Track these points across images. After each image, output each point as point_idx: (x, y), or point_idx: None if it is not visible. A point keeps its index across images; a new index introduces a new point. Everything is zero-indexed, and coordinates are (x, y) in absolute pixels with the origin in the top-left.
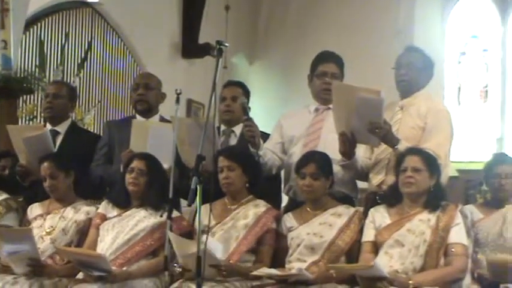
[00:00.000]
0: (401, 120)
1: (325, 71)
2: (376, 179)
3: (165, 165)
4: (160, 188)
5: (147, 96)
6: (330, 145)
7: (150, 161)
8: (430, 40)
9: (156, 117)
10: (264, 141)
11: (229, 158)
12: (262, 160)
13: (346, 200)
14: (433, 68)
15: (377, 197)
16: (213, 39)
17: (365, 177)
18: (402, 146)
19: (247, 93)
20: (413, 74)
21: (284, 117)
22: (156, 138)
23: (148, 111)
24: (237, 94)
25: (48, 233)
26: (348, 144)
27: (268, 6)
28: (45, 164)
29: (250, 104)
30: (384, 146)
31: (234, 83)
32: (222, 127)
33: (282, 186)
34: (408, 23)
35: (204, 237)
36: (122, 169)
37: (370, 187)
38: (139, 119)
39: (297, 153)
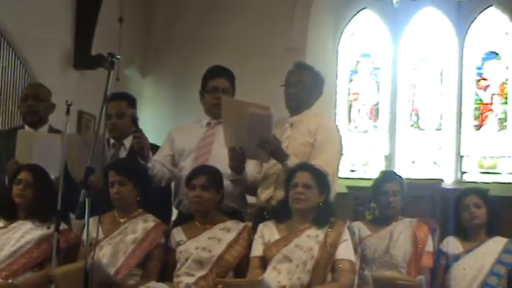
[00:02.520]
0: (291, 137)
1: (216, 86)
2: (264, 194)
3: (52, 176)
4: (48, 200)
5: (36, 107)
6: (221, 159)
7: (38, 172)
8: (322, 58)
9: (45, 128)
10: (154, 154)
11: (120, 172)
12: (151, 172)
13: (235, 214)
14: (323, 85)
15: (265, 213)
16: (106, 51)
17: (254, 191)
18: (291, 162)
19: (133, 104)
20: (303, 92)
21: (175, 130)
22: (42, 149)
23: (37, 122)
24: (122, 110)
25: None
26: (237, 159)
27: (162, 20)
28: None
29: (141, 117)
30: (273, 161)
31: (118, 97)
32: (112, 140)
33: (172, 199)
34: (301, 40)
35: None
36: (6, 180)
37: (258, 202)
38: (25, 130)
39: (187, 167)
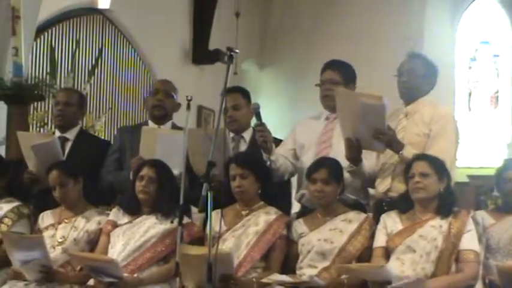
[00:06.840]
0: (406, 128)
1: (323, 79)
2: (382, 185)
3: (175, 171)
4: (171, 195)
5: (165, 103)
6: (342, 153)
7: (160, 168)
8: (440, 46)
9: (169, 124)
10: (275, 147)
11: (241, 165)
12: (275, 165)
13: (358, 206)
14: (436, 74)
15: (384, 204)
16: (223, 46)
17: (372, 183)
18: (407, 152)
19: (247, 96)
20: (415, 80)
21: (299, 124)
22: (165, 145)
23: (163, 117)
24: (237, 102)
25: (60, 243)
26: (353, 150)
27: (278, 12)
28: (54, 173)
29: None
30: (390, 152)
31: (232, 89)
32: (231, 134)
33: (294, 192)
34: (418, 29)
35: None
36: (131, 176)
37: (376, 194)
38: (149, 126)
39: (309, 161)
